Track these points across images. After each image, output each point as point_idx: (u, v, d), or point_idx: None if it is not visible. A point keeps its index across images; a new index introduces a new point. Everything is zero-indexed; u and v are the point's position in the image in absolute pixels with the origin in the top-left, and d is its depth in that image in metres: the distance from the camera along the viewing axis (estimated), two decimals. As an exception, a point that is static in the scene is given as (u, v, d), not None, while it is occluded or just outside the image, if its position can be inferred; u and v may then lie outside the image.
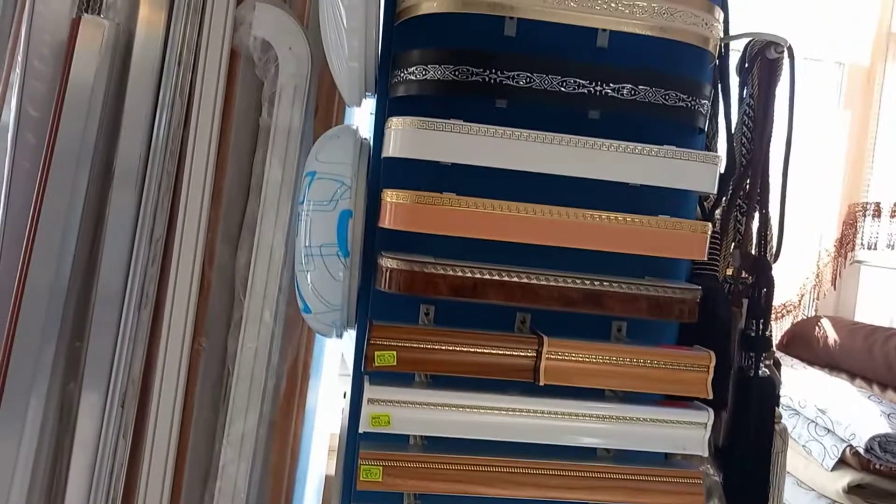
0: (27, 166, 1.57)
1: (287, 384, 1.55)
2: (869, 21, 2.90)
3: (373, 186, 1.16)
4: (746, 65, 1.26)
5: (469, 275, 1.04)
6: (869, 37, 2.87)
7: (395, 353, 1.04)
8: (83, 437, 1.51)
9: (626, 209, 1.07)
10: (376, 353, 1.04)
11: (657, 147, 1.04)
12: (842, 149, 2.90)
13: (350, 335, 1.76)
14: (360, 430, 1.05)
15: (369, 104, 1.73)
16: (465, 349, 1.07)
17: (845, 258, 3.02)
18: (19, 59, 1.61)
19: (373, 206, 1.15)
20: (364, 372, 1.07)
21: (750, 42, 1.24)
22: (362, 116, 1.69)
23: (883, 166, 2.91)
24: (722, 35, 1.16)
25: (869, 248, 2.99)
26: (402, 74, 1.08)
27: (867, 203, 2.94)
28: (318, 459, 1.66)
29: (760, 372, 1.22)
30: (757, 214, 1.28)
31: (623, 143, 1.03)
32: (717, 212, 1.32)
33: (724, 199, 1.30)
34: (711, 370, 1.09)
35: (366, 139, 1.24)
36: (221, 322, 1.61)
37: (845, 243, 3.00)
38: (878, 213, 2.92)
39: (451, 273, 1.04)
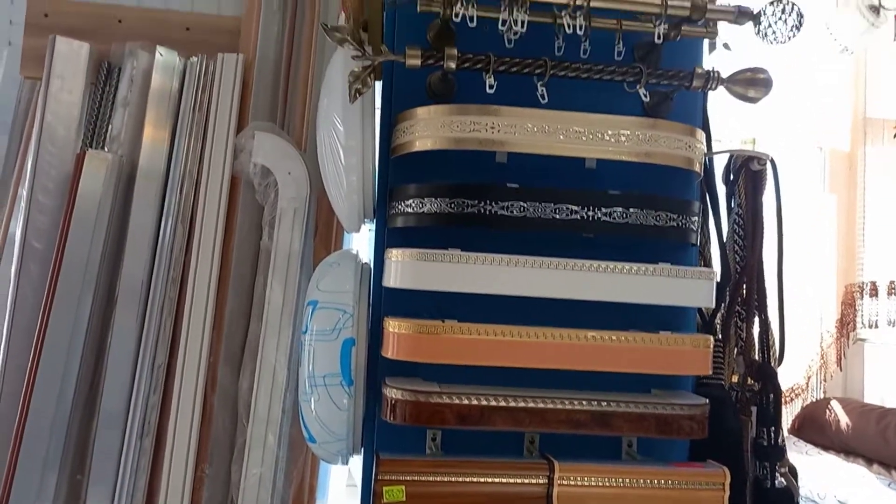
0: (30, 297, 1.59)
1: (292, 510, 1.51)
2: (845, 108, 3.01)
3: (375, 311, 1.18)
4: (731, 176, 1.30)
5: (475, 402, 1.03)
6: (846, 123, 2.98)
7: (403, 487, 1.02)
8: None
9: (628, 322, 1.08)
10: (385, 488, 1.02)
11: (652, 266, 1.06)
12: (832, 232, 2.96)
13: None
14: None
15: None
16: (474, 479, 1.05)
17: (848, 338, 3.01)
18: (24, 192, 1.65)
19: (376, 332, 1.16)
20: (372, 507, 1.04)
21: (733, 155, 1.29)
22: (361, 235, 1.73)
23: (874, 246, 2.95)
24: (705, 151, 1.20)
25: (870, 327, 3.00)
26: (399, 207, 1.11)
27: (863, 283, 2.96)
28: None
29: (777, 482, 1.20)
30: (756, 319, 1.29)
31: (618, 263, 1.05)
32: (717, 317, 1.33)
33: (722, 305, 1.31)
34: (727, 488, 1.07)
35: (366, 263, 1.26)
36: (225, 447, 1.58)
37: (846, 323, 3.00)
38: (874, 291, 2.94)
39: (457, 402, 1.03)
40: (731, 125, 2.90)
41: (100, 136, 1.71)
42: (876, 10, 2.29)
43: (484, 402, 1.04)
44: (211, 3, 1.87)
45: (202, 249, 1.60)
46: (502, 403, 1.04)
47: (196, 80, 1.71)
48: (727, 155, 1.35)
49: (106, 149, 1.69)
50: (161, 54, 1.71)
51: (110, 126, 1.71)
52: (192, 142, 1.67)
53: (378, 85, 1.20)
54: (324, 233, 1.62)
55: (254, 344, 1.55)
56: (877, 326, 2.99)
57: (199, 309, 1.57)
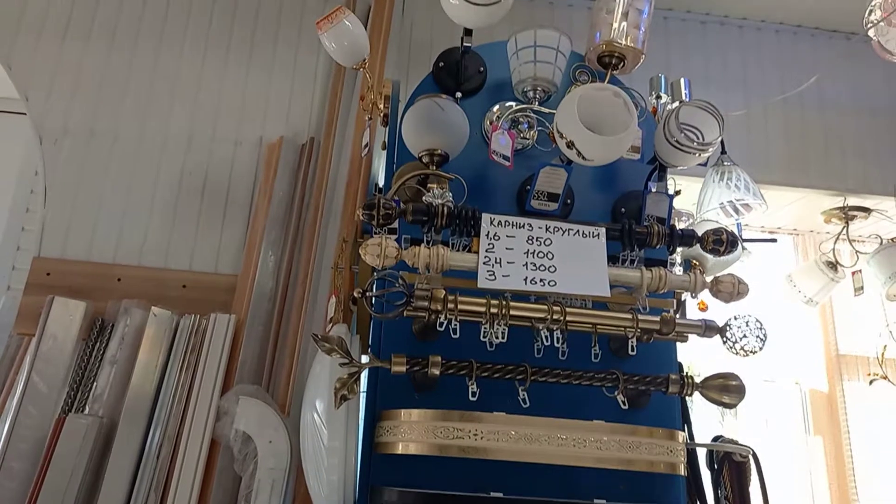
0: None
1: None
2: (818, 345, 3.10)
3: None
4: (716, 465, 1.30)
5: None
6: (821, 361, 3.06)
7: None
8: None
9: None
10: None
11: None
12: (822, 475, 2.90)
13: None
14: None
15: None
16: None
17: None
18: (-4, 456, 1.61)
19: None
20: None
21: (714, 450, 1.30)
22: None
23: (866, 490, 2.88)
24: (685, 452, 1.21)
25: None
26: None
27: (861, 532, 2.85)
28: None
29: None
30: None
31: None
32: None
33: None
34: None
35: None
36: None
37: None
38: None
39: None
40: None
41: (84, 394, 1.71)
42: (833, 266, 2.45)
43: None
44: (209, 262, 1.96)
45: (173, 521, 1.53)
46: None
47: (186, 341, 1.75)
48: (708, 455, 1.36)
49: (87, 408, 1.68)
50: (155, 314, 1.76)
51: (95, 384, 1.72)
52: (175, 403, 1.67)
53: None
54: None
55: None
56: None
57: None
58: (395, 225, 1.19)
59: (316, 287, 1.80)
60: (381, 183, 1.54)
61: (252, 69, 2.13)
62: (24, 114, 2.05)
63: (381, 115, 1.51)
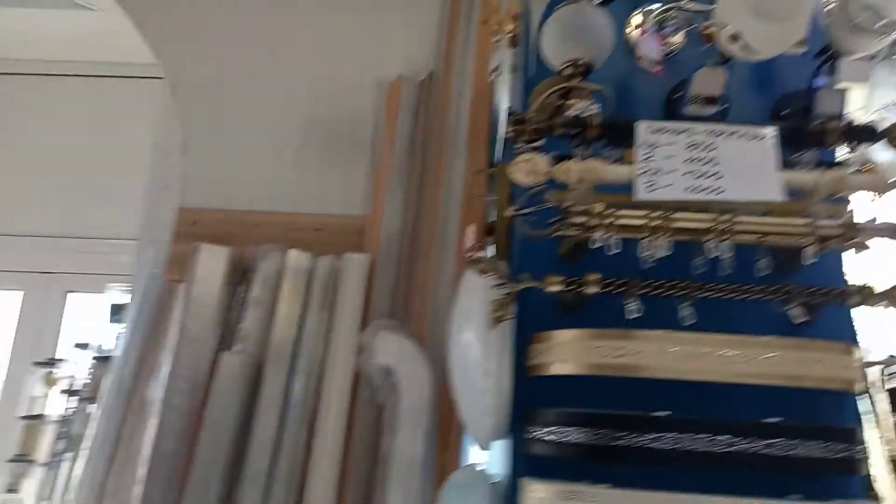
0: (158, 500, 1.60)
1: None
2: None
3: (512, 546, 1.10)
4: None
5: None
6: None
7: None
8: None
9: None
10: None
11: (826, 506, 0.95)
12: None
13: None
14: None
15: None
16: None
17: None
18: (160, 394, 1.72)
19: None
20: None
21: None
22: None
23: None
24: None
25: None
26: (537, 433, 1.06)
27: None
28: None
29: None
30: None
31: None
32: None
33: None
34: None
35: (496, 482, 1.20)
36: None
37: None
38: None
39: None
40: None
41: (232, 334, 1.79)
42: None
43: None
44: (338, 205, 1.99)
45: (323, 450, 1.59)
46: None
47: (324, 279, 1.79)
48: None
49: (235, 346, 1.76)
50: (292, 257, 1.81)
51: (242, 325, 1.79)
52: (317, 340, 1.72)
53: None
54: (444, 436, 1.57)
55: (374, 557, 1.48)
56: None
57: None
58: (539, 144, 1.14)
59: (444, 221, 1.79)
60: (509, 108, 1.49)
61: (367, 10, 2.11)
62: (160, 78, 2.14)
63: (509, 36, 1.45)
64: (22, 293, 2.66)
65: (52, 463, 2.30)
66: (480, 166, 1.61)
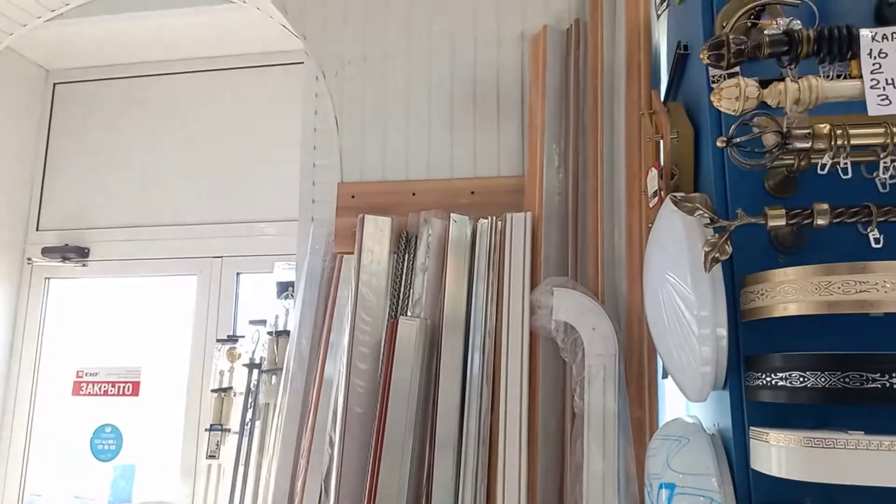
0: (354, 462, 1.67)
1: None
2: None
3: (743, 496, 1.04)
4: None
5: None
6: None
7: None
8: None
9: None
10: None
11: None
12: None
13: None
14: None
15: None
16: None
17: None
18: (343, 360, 1.79)
19: (745, 517, 1.02)
20: None
21: None
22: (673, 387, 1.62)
23: None
24: None
25: None
26: (764, 379, 0.99)
27: None
28: None
29: None
30: None
31: None
32: None
33: None
34: None
35: (714, 436, 1.14)
36: None
37: None
38: None
39: None
40: None
41: (404, 301, 1.82)
42: None
43: None
44: (492, 167, 1.97)
45: (509, 409, 1.59)
46: None
47: (488, 241, 1.78)
48: None
49: (409, 312, 1.79)
50: (455, 220, 1.81)
51: (412, 291, 1.83)
52: (488, 301, 1.72)
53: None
54: (635, 391, 1.53)
55: (573, 512, 1.47)
56: None
57: (513, 470, 1.53)
58: (736, 70, 1.05)
59: (610, 171, 1.72)
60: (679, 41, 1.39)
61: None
62: (301, 63, 2.20)
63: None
64: (196, 277, 2.86)
65: (244, 430, 2.48)
66: (645, 108, 1.52)
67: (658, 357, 1.52)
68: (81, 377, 2.85)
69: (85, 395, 2.84)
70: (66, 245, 2.95)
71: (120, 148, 3.09)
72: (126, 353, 2.94)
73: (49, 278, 3.01)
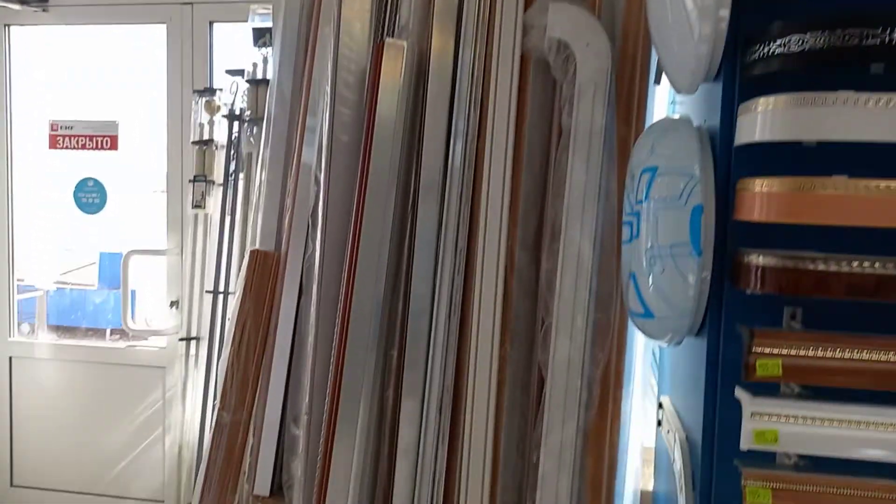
0: (340, 192, 1.68)
1: (600, 392, 1.49)
2: None
3: (721, 179, 1.07)
4: None
5: (871, 270, 0.90)
6: None
7: (779, 361, 0.93)
8: (405, 445, 1.57)
9: None
10: (758, 361, 0.93)
11: None
12: None
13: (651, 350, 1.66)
14: (743, 447, 0.95)
15: (663, 98, 1.63)
16: (861, 356, 0.92)
17: None
18: (327, 88, 1.73)
19: (722, 200, 1.05)
20: (742, 383, 0.97)
21: None
22: (659, 111, 1.61)
23: None
24: None
25: None
26: (761, 50, 0.97)
27: None
28: (634, 472, 1.59)
29: None
30: None
31: None
32: None
33: None
34: None
35: (700, 127, 1.15)
36: (524, 329, 1.60)
37: None
38: None
39: (846, 269, 0.90)
40: None
41: (390, 26, 1.74)
42: None
43: (882, 271, 0.89)
44: None
45: (496, 130, 1.57)
46: (903, 272, 0.89)
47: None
48: None
49: (395, 38, 1.71)
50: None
51: (398, 16, 1.73)
52: (479, 23, 1.63)
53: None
54: (624, 108, 1.51)
55: (553, 226, 1.52)
56: None
57: (496, 190, 1.56)
58: None
59: None
60: None
61: None
62: None
63: None
64: (165, 26, 2.69)
65: (228, 182, 2.49)
66: None
67: (650, 66, 1.50)
68: (57, 130, 2.78)
69: (62, 148, 2.79)
70: (25, -12, 2.74)
71: None
72: (101, 107, 2.86)
73: (9, 25, 2.82)
